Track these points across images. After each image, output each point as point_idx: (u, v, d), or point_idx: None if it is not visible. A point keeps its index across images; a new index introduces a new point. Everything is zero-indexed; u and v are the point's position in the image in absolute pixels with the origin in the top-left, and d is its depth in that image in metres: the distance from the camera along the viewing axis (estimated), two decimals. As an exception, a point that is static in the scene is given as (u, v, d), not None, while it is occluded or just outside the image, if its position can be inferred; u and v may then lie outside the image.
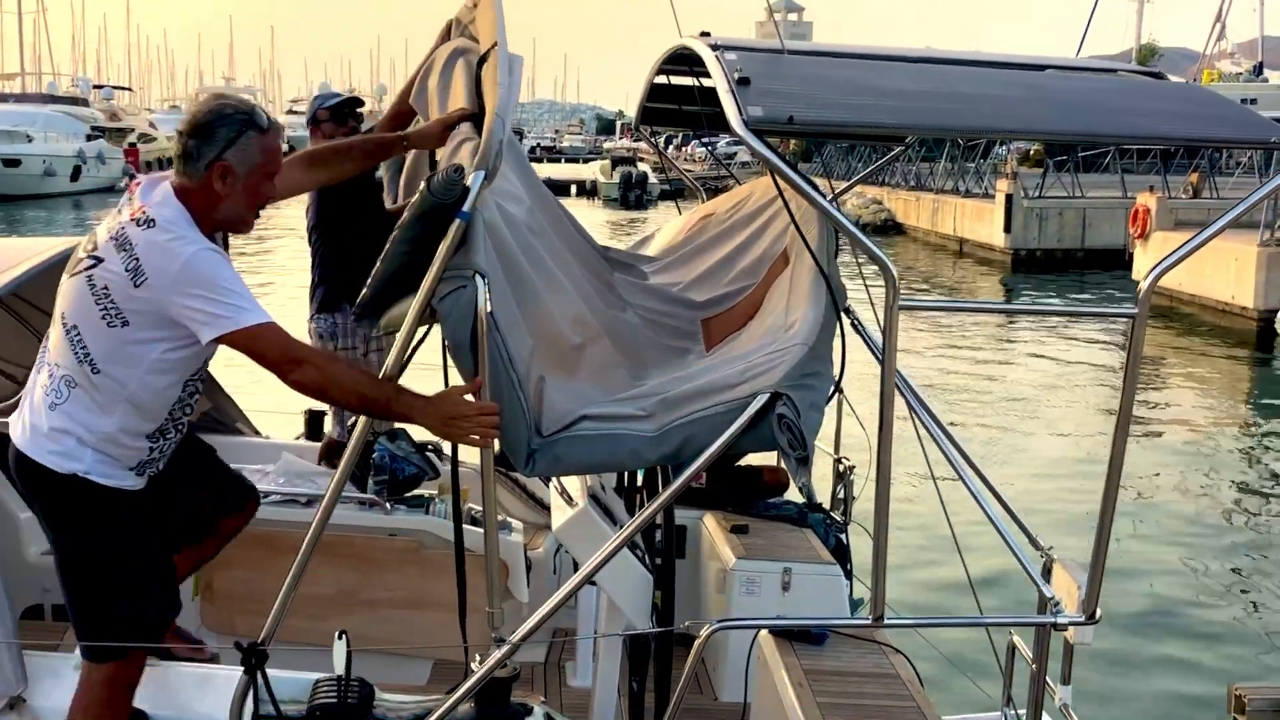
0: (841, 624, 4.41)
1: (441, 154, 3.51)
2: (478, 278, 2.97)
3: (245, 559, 4.79)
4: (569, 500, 4.11)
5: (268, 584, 4.02)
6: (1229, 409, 17.85)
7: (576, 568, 3.62)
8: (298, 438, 6.45)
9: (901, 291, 3.11)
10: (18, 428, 3.52)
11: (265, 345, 3.25)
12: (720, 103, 3.20)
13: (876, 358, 3.30)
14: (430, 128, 3.77)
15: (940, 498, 3.75)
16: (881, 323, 3.17)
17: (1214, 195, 30.81)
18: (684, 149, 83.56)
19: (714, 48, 3.58)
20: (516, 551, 5.14)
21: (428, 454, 5.33)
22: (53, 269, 5.08)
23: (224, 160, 3.39)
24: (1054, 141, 5.74)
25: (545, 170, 51.71)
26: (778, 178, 3.25)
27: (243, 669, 3.21)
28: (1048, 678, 3.67)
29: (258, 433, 6.53)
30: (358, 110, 6.38)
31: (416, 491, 5.29)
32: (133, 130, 68.40)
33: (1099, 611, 3.33)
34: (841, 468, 6.27)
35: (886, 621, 3.24)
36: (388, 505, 5.06)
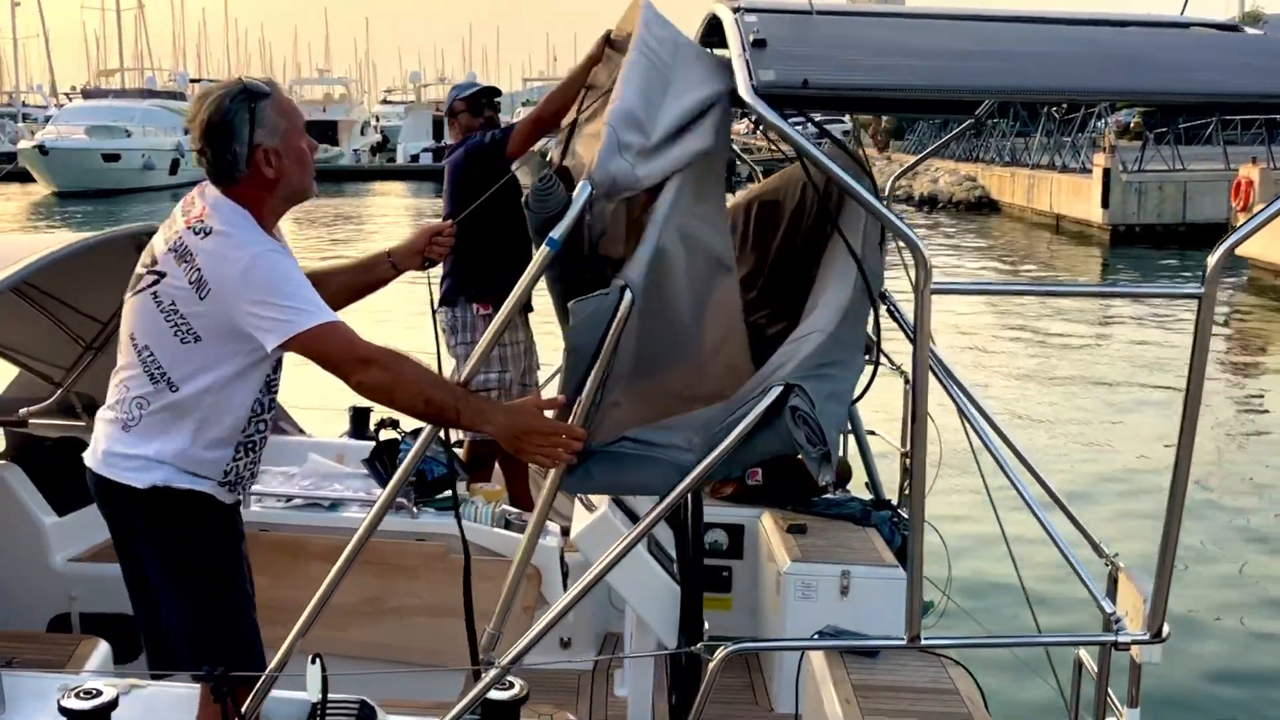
0: (870, 644, 4.07)
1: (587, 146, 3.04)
2: (626, 291, 2.65)
3: (266, 565, 4.59)
4: (589, 506, 3.84)
5: (289, 592, 3.88)
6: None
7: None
8: (342, 435, 6.26)
9: (935, 274, 2.78)
10: (93, 454, 3.35)
11: (329, 346, 3.02)
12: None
13: (911, 341, 2.98)
14: (416, 243, 3.58)
15: (990, 498, 3.41)
16: (916, 308, 2.83)
17: (1325, 164, 29.60)
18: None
19: (735, 10, 3.29)
20: (551, 557, 4.87)
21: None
22: (74, 259, 4.95)
23: (258, 144, 3.18)
24: (1103, 100, 5.33)
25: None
26: (807, 157, 2.92)
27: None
28: (1116, 699, 3.31)
29: (301, 430, 6.36)
30: (495, 100, 6.31)
31: (447, 493, 5.05)
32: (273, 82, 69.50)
33: (1166, 628, 2.97)
34: (908, 463, 5.91)
35: (924, 641, 2.91)
36: (415, 508, 4.82)
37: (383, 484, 5.02)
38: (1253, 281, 24.60)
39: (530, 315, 6.11)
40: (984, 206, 42.17)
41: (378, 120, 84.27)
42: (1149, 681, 3.31)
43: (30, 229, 38.24)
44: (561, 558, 4.96)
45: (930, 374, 3.58)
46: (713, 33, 4.18)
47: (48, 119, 64.61)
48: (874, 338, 3.47)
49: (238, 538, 3.39)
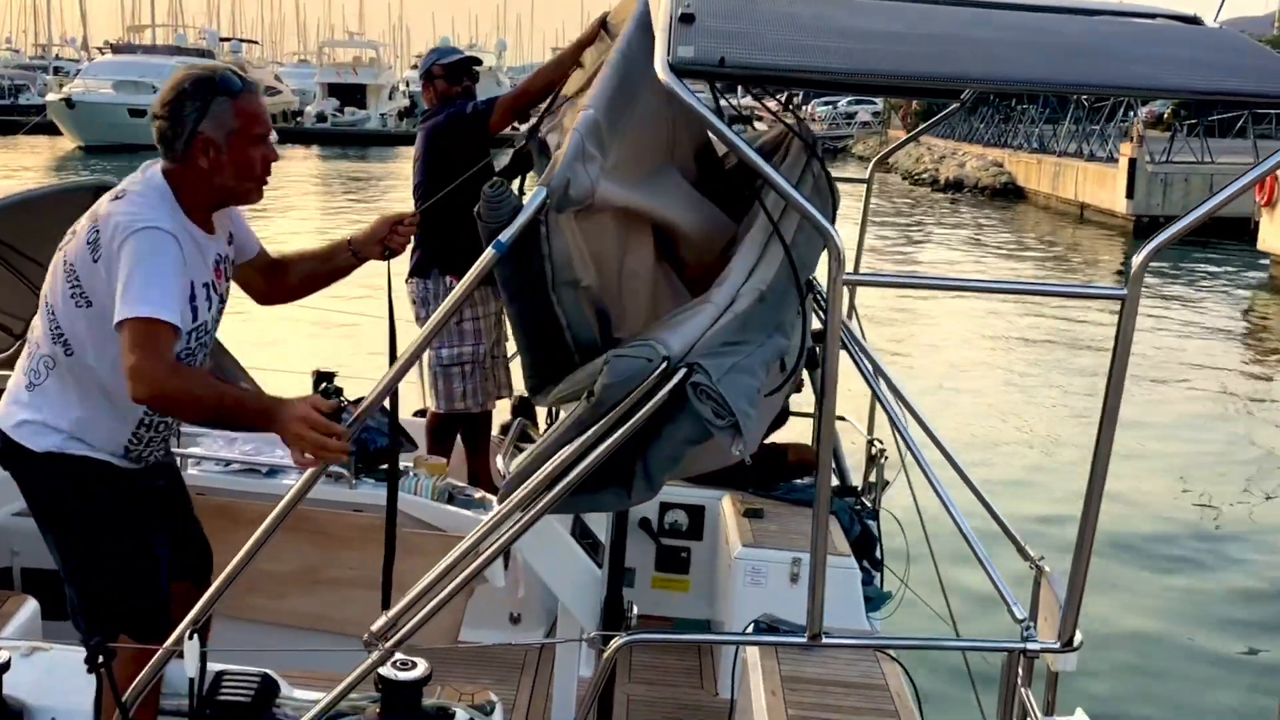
0: (770, 641, 3.98)
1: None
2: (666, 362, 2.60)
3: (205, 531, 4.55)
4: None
5: (223, 558, 3.88)
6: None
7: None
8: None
9: (855, 266, 2.68)
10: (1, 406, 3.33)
11: (132, 344, 2.94)
12: None
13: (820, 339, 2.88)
14: (377, 231, 3.52)
15: (914, 496, 3.31)
16: (827, 296, 2.73)
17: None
18: (804, 107, 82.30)
19: None
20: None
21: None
22: (32, 208, 4.89)
23: (200, 133, 3.14)
24: (1034, 92, 5.23)
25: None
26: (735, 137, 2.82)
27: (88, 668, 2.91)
28: (1036, 707, 3.22)
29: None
30: (474, 69, 6.23)
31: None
32: (259, 84, 69.54)
33: (1078, 637, 2.87)
34: (874, 450, 5.82)
35: (826, 641, 2.82)
36: (352, 480, 4.75)
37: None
38: (1274, 280, 24.34)
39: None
40: (1009, 193, 41.82)
41: (407, 85, 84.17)
42: (1077, 689, 3.22)
43: (56, 182, 38.29)
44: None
45: (857, 367, 3.50)
46: None
47: (78, 73, 64.77)
48: (806, 325, 3.37)
49: (140, 498, 3.34)
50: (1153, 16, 3.38)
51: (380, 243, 3.52)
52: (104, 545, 3.26)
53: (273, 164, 3.31)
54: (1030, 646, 2.91)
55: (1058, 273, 26.10)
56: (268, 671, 3.37)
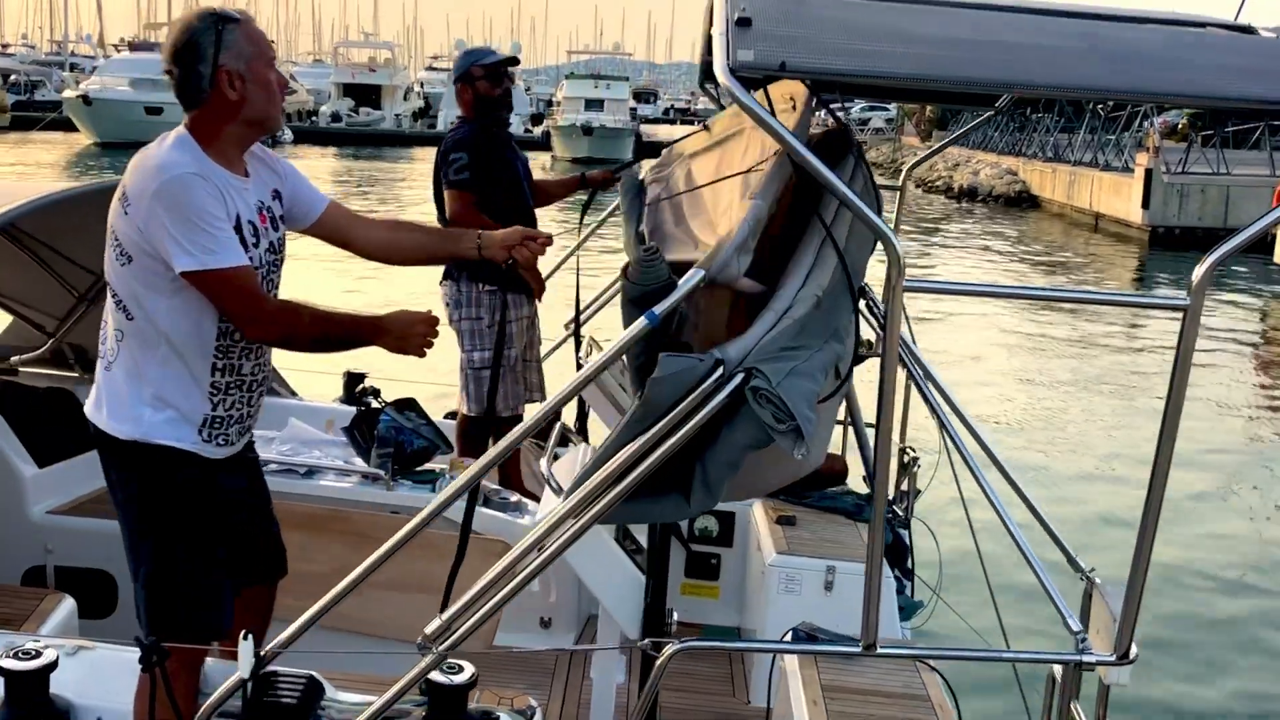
0: (825, 650, 3.96)
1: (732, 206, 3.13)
2: (720, 367, 2.66)
3: None
4: (558, 490, 3.74)
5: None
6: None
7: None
8: (335, 400, 6.19)
9: (908, 272, 2.66)
10: (90, 400, 3.37)
11: (230, 293, 3.12)
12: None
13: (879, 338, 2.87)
14: (510, 237, 3.52)
15: (964, 506, 3.30)
16: (885, 303, 2.72)
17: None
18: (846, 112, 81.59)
19: None
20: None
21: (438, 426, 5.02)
22: (68, 206, 4.88)
23: (222, 66, 3.17)
24: (1098, 99, 5.16)
25: (681, 133, 51.10)
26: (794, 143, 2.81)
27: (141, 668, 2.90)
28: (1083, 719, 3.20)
29: (294, 393, 6.30)
30: (511, 70, 6.20)
31: (426, 466, 4.96)
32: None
33: (1134, 650, 2.85)
34: (906, 458, 5.80)
35: (880, 651, 2.81)
36: (390, 481, 4.73)
37: (361, 453, 4.94)
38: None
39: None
40: (1023, 201, 41.73)
41: (421, 86, 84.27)
42: (1127, 700, 3.19)
43: (72, 179, 38.41)
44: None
45: (909, 375, 3.48)
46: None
47: (94, 70, 64.95)
48: (856, 330, 3.36)
49: (218, 504, 3.34)
50: (1202, 25, 3.36)
51: (508, 249, 3.51)
52: (175, 555, 3.27)
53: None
54: (1086, 659, 2.89)
55: (1075, 281, 26.02)
56: (313, 674, 3.36)
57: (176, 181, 3.05)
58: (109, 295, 3.25)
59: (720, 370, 2.65)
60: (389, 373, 5.67)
